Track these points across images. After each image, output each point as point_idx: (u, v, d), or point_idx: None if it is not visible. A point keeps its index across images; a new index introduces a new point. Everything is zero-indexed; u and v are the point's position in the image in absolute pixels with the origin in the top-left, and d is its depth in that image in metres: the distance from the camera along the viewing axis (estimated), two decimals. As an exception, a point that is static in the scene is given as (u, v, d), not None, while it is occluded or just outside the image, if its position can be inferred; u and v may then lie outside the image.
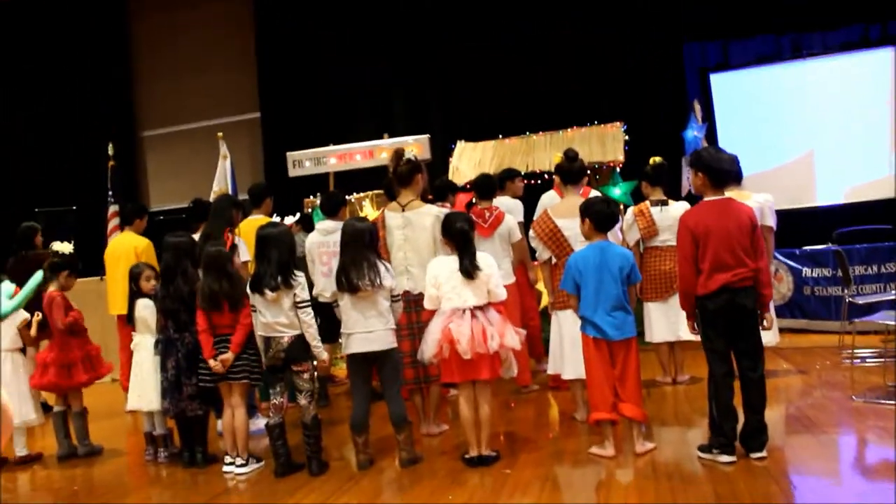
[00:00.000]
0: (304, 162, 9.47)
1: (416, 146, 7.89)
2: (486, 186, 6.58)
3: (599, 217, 4.57)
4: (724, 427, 4.22)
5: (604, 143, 8.77)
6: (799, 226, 9.12)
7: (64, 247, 5.94)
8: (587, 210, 4.62)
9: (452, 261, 4.58)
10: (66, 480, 5.34)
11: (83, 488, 5.13)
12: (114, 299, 7.17)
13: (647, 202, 6.37)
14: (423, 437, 5.33)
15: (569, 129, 9.16)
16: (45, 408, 6.41)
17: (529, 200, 7.20)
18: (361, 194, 9.17)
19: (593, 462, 4.50)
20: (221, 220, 5.63)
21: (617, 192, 8.45)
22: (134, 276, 5.51)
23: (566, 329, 5.18)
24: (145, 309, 5.40)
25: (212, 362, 4.87)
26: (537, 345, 6.98)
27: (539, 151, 8.94)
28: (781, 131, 10.35)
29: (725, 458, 4.18)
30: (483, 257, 4.61)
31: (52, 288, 5.83)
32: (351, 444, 5.01)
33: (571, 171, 5.42)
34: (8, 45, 13.69)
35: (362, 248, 4.67)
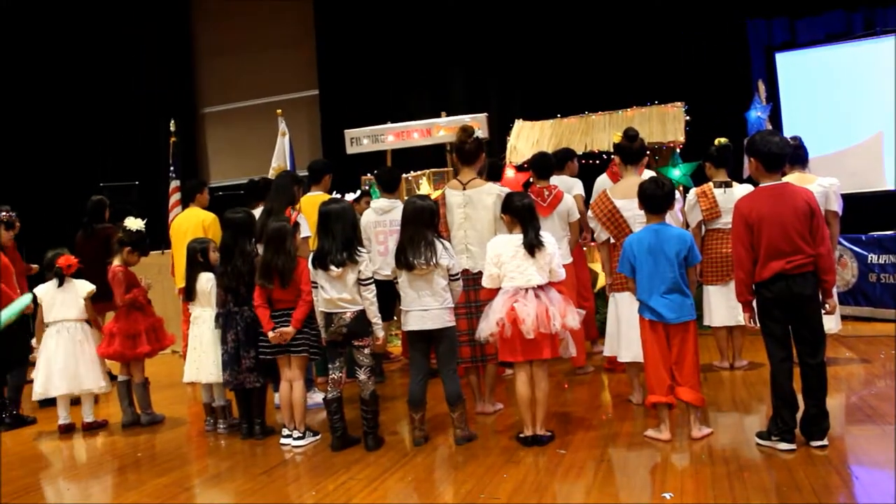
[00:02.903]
0: (361, 139, 9.54)
1: (474, 124, 7.88)
2: (544, 165, 6.53)
3: (645, 198, 4.52)
4: (783, 414, 4.15)
5: (664, 123, 8.62)
6: (866, 210, 8.83)
7: (134, 223, 6.07)
8: (637, 192, 4.57)
9: (515, 239, 4.57)
10: (129, 447, 5.51)
11: (146, 455, 5.28)
12: (180, 272, 7.31)
13: (711, 183, 6.26)
14: (478, 415, 5.36)
15: (628, 109, 9.00)
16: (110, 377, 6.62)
17: (587, 181, 7.14)
18: (418, 172, 9.19)
19: (649, 445, 4.47)
20: (283, 196, 5.70)
21: (676, 173, 8.31)
22: (200, 250, 5.61)
23: (623, 311, 5.14)
24: (208, 283, 5.49)
25: (271, 335, 4.94)
26: (591, 326, 6.94)
27: (598, 131, 8.82)
28: (849, 112, 10.02)
29: (784, 446, 4.11)
30: (545, 236, 4.60)
31: (115, 262, 6.00)
32: (406, 420, 5.06)
33: (631, 150, 5.34)
34: (72, 23, 13.99)
35: (421, 227, 4.67)
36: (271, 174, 8.94)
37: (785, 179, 4.42)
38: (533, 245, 4.50)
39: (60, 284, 5.91)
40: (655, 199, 4.50)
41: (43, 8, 13.81)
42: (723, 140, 6.42)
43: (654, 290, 4.40)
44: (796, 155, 5.83)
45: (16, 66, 13.85)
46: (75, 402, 6.11)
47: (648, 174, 5.43)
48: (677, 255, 4.39)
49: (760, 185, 4.25)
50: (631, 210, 4.98)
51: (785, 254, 4.06)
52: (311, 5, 13.21)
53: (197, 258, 5.59)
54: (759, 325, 4.28)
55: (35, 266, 7.15)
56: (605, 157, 8.49)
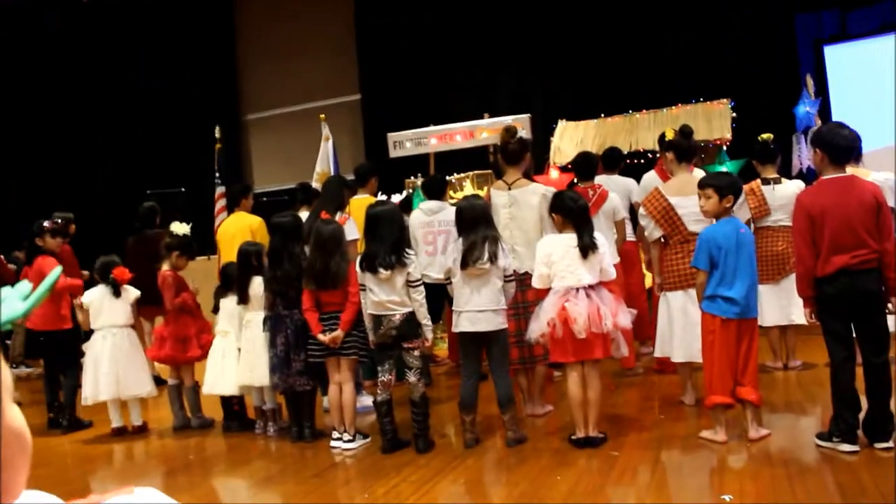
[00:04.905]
0: (404, 143, 9.50)
1: (517, 125, 7.83)
2: (587, 165, 6.49)
3: (737, 191, 4.49)
4: (845, 414, 4.03)
5: (710, 120, 8.48)
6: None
7: (181, 227, 6.14)
8: (738, 187, 4.55)
9: (567, 238, 4.52)
10: (180, 450, 5.56)
11: (197, 458, 5.33)
12: (228, 278, 7.37)
13: (758, 180, 6.15)
14: (528, 417, 5.31)
15: (673, 107, 8.88)
16: (158, 381, 6.70)
17: (632, 178, 7.06)
18: (462, 174, 9.15)
19: (704, 447, 4.39)
20: (332, 200, 5.72)
21: (723, 171, 8.18)
22: (253, 253, 5.62)
23: (676, 311, 5.06)
24: (260, 286, 5.47)
25: (321, 337, 4.93)
26: (645, 326, 6.83)
27: (642, 130, 8.70)
28: (902, 105, 9.77)
29: (847, 448, 3.99)
30: (597, 236, 4.55)
31: (164, 267, 6.06)
32: (454, 422, 5.02)
33: (686, 147, 5.28)
34: (119, 33, 14.24)
35: (488, 225, 4.67)
36: (315, 179, 8.98)
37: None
38: (587, 247, 4.45)
39: (117, 295, 5.97)
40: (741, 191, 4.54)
41: (85, 18, 14.07)
42: (767, 135, 6.31)
43: (737, 283, 4.29)
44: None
45: (66, 77, 14.14)
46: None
47: (699, 173, 5.35)
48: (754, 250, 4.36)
49: (822, 178, 4.14)
50: (686, 207, 4.92)
51: (848, 248, 3.95)
52: (352, 10, 13.27)
53: (251, 261, 5.58)
54: (819, 322, 4.18)
55: (86, 272, 7.26)
56: (650, 155, 8.38)
